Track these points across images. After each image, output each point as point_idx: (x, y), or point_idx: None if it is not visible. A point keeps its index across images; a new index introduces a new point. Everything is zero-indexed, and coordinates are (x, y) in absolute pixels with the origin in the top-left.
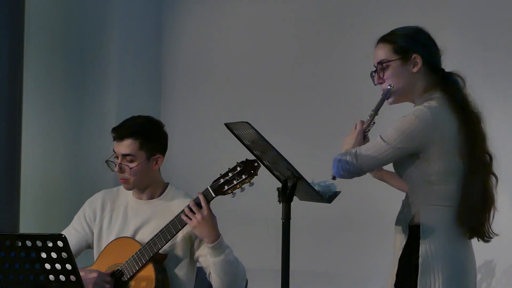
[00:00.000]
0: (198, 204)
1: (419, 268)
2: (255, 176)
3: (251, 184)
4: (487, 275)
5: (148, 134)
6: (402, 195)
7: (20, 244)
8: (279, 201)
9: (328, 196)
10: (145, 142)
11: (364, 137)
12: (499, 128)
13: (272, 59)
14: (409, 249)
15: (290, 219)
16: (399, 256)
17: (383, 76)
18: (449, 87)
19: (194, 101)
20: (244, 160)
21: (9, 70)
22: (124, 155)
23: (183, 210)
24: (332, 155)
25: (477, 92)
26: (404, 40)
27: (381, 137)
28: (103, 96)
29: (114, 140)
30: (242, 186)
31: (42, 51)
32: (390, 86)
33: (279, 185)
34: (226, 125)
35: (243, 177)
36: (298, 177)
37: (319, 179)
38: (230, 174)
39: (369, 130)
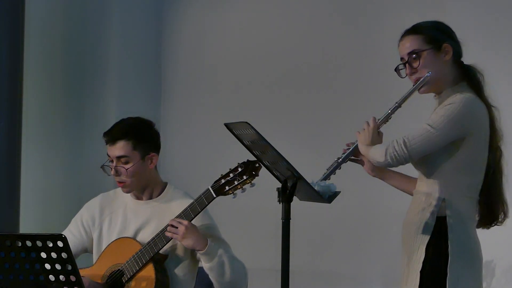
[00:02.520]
0: (177, 219)
1: (450, 257)
2: (256, 177)
3: (252, 185)
4: (487, 275)
5: (140, 134)
6: (403, 195)
7: (20, 244)
8: (279, 201)
9: (328, 196)
10: (138, 142)
11: (378, 133)
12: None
13: (272, 59)
14: (436, 237)
15: (290, 219)
16: (425, 245)
17: (417, 65)
18: (475, 80)
19: (194, 102)
20: (245, 161)
21: (9, 70)
22: (119, 157)
23: (166, 228)
24: (332, 155)
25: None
26: (433, 30)
27: (428, 124)
28: (103, 96)
29: (106, 144)
30: (243, 187)
31: (42, 51)
32: (429, 73)
33: (279, 185)
34: (226, 125)
35: (244, 177)
36: (298, 177)
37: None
38: (231, 175)
39: (381, 126)
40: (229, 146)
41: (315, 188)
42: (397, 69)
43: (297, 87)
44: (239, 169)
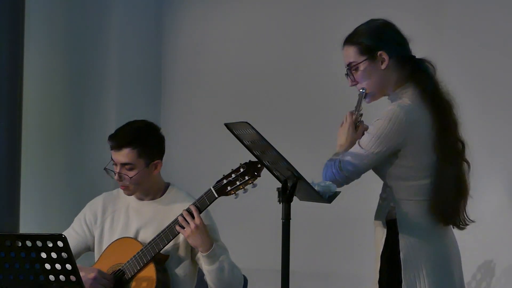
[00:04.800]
0: (190, 214)
1: (402, 264)
2: (258, 178)
3: (254, 186)
4: (486, 275)
5: (146, 141)
6: None
7: (20, 244)
8: (279, 201)
9: (328, 196)
10: (144, 150)
11: (356, 127)
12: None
13: (272, 59)
14: (389, 244)
15: (290, 219)
16: (380, 252)
17: (354, 78)
18: (420, 77)
19: (194, 103)
20: (247, 161)
21: (9, 70)
22: (123, 164)
23: (177, 219)
24: (332, 155)
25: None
26: (368, 39)
27: (359, 144)
28: (103, 97)
29: (111, 149)
30: (245, 187)
31: (42, 51)
32: (362, 90)
33: (279, 185)
34: (226, 125)
35: (246, 178)
36: (298, 177)
37: (319, 179)
38: (233, 175)
39: (359, 120)
40: (229, 146)
41: (315, 188)
42: (346, 76)
43: (297, 88)
44: (241, 170)
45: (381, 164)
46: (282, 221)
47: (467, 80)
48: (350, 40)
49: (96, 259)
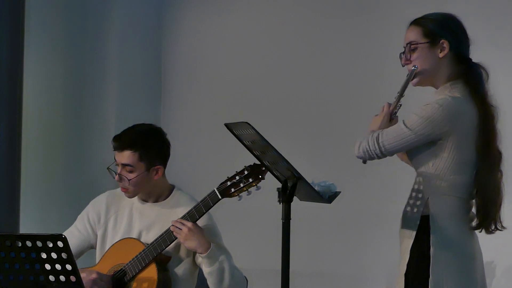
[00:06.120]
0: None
1: (431, 259)
2: (262, 180)
3: (258, 188)
4: (487, 276)
5: (148, 145)
6: (403, 195)
7: (20, 244)
8: (279, 201)
9: (328, 196)
10: (145, 154)
11: (391, 120)
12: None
13: (272, 60)
14: (420, 239)
15: (290, 219)
16: (409, 246)
17: (410, 57)
18: (473, 78)
19: (194, 104)
20: (251, 164)
21: (9, 70)
22: (124, 165)
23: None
24: (332, 155)
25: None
26: (434, 24)
27: (404, 123)
28: (103, 97)
29: (114, 150)
30: (249, 190)
31: (42, 52)
32: (414, 67)
33: (279, 185)
34: (226, 125)
35: (250, 180)
36: (298, 177)
37: (319, 179)
38: (237, 177)
39: (396, 112)
40: (229, 147)
41: (315, 188)
42: (400, 56)
43: (298, 88)
44: (245, 172)
45: (418, 150)
46: (282, 221)
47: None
48: (417, 21)
49: (98, 259)
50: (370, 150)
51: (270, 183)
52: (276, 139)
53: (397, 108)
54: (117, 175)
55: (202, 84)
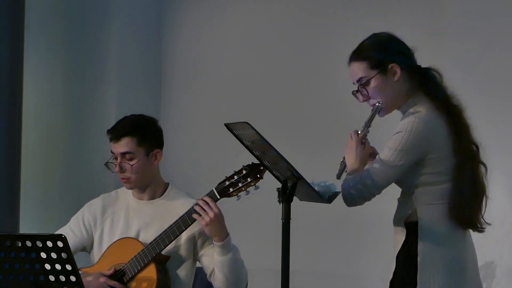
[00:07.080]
0: (206, 203)
1: (418, 266)
2: (261, 180)
3: (257, 188)
4: (487, 277)
5: (144, 130)
6: None
7: (20, 244)
8: (279, 201)
9: (328, 196)
10: (143, 139)
11: (363, 146)
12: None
13: (272, 59)
14: (407, 246)
15: (290, 219)
16: (396, 253)
17: (368, 93)
18: (429, 86)
19: (194, 102)
20: (250, 163)
21: (9, 70)
22: (123, 154)
23: (192, 208)
24: (332, 155)
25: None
26: (376, 52)
27: (380, 160)
28: (103, 96)
29: (111, 141)
30: (247, 189)
31: (42, 51)
32: (379, 104)
33: (279, 185)
34: (226, 125)
35: (249, 180)
36: (298, 178)
37: (319, 179)
38: (236, 177)
39: (365, 137)
40: (229, 146)
41: (315, 189)
42: (353, 94)
43: (298, 88)
44: (244, 172)
45: (405, 176)
46: (282, 221)
47: (470, 83)
48: (356, 56)
49: (96, 260)
50: (361, 195)
51: (270, 183)
52: (276, 139)
53: (366, 134)
54: (117, 166)
55: (202, 84)
